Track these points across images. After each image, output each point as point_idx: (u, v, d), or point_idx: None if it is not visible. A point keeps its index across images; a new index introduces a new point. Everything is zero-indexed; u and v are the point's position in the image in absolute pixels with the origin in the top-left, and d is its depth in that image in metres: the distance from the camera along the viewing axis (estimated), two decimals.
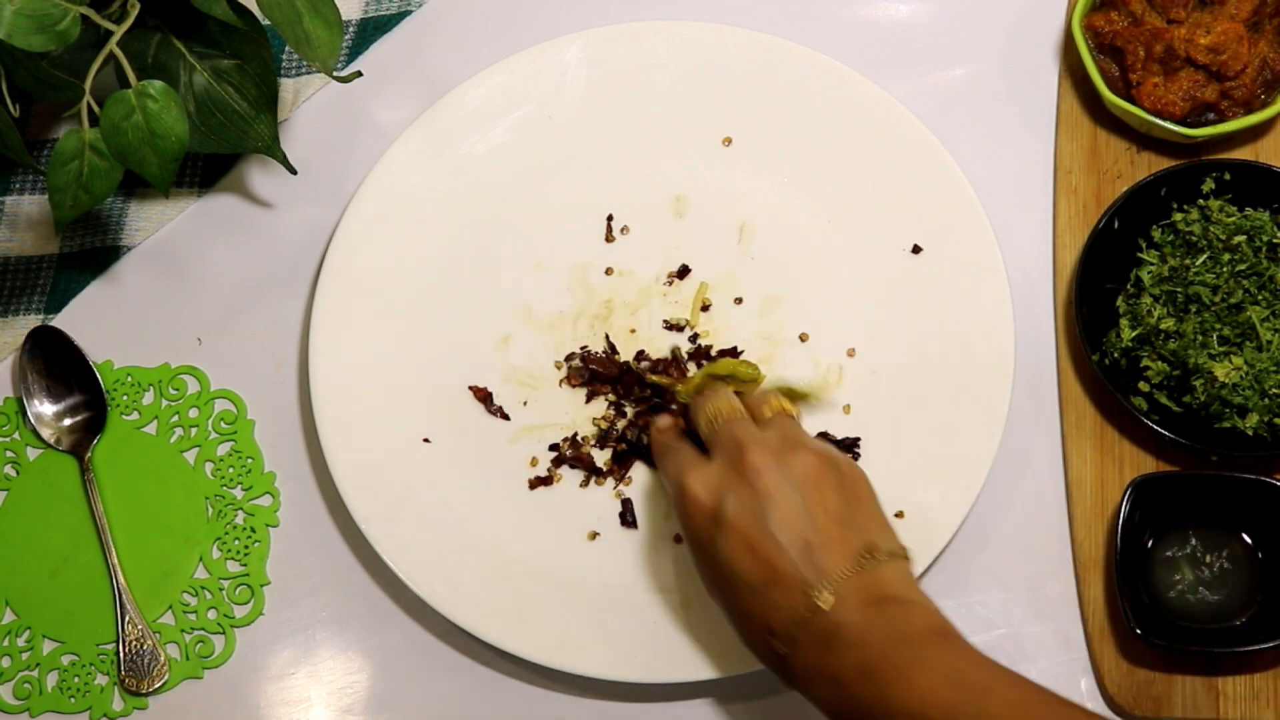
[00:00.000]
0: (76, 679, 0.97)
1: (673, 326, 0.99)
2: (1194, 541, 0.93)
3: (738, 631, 0.82)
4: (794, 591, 0.78)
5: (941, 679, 0.73)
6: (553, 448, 0.98)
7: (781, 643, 0.78)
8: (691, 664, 0.91)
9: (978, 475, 0.93)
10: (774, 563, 0.78)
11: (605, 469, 0.97)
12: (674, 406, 0.94)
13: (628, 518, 0.96)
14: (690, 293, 1.00)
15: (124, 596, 0.97)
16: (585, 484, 0.97)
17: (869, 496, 0.83)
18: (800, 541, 0.78)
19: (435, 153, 1.03)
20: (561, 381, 0.99)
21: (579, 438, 0.97)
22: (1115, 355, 0.95)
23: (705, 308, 1.00)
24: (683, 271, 1.01)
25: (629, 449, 0.97)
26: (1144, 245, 0.98)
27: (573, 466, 0.97)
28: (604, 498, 0.97)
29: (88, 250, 1.05)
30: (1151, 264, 0.97)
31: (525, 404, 0.99)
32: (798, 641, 0.77)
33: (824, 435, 0.96)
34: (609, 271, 1.01)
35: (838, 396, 0.98)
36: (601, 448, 0.97)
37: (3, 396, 1.03)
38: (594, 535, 0.96)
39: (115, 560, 0.98)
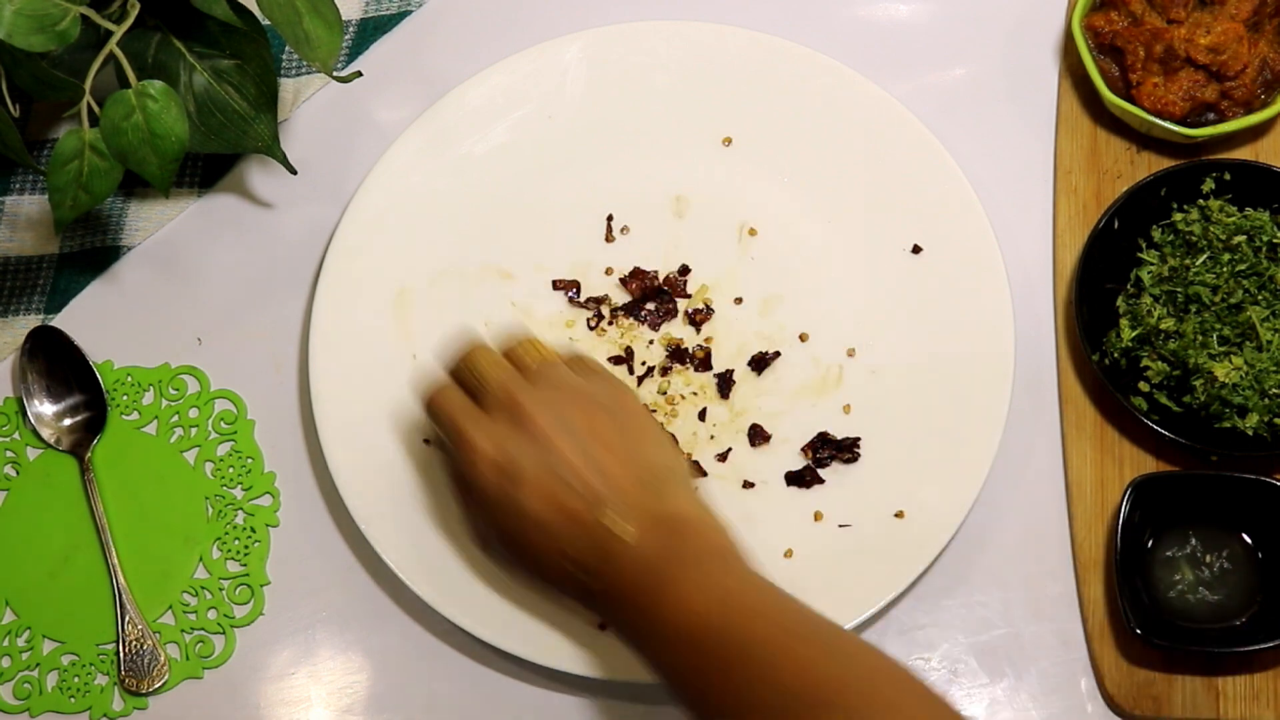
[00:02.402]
0: (76, 679, 0.97)
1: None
2: (1194, 541, 0.93)
3: (537, 572, 0.84)
4: (587, 524, 0.81)
5: (700, 592, 0.76)
6: None
7: (579, 570, 0.81)
8: None
9: (978, 475, 0.93)
10: (567, 504, 0.81)
11: None
12: None
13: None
14: (690, 293, 1.00)
15: (124, 596, 0.97)
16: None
17: (640, 420, 0.86)
18: (586, 480, 0.81)
19: (435, 153, 1.03)
20: None
21: None
22: (1115, 355, 0.95)
23: (707, 309, 1.00)
24: (683, 271, 1.01)
25: None
26: (1144, 245, 0.98)
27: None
28: None
29: (88, 250, 1.05)
30: (1151, 264, 0.97)
31: None
32: (591, 568, 0.80)
33: (823, 435, 0.96)
34: (609, 271, 1.01)
35: (838, 397, 0.98)
36: None
37: (3, 396, 1.03)
38: None
39: (115, 560, 0.98)
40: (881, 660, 0.74)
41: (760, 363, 0.98)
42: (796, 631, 0.75)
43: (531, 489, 0.82)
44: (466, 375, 0.88)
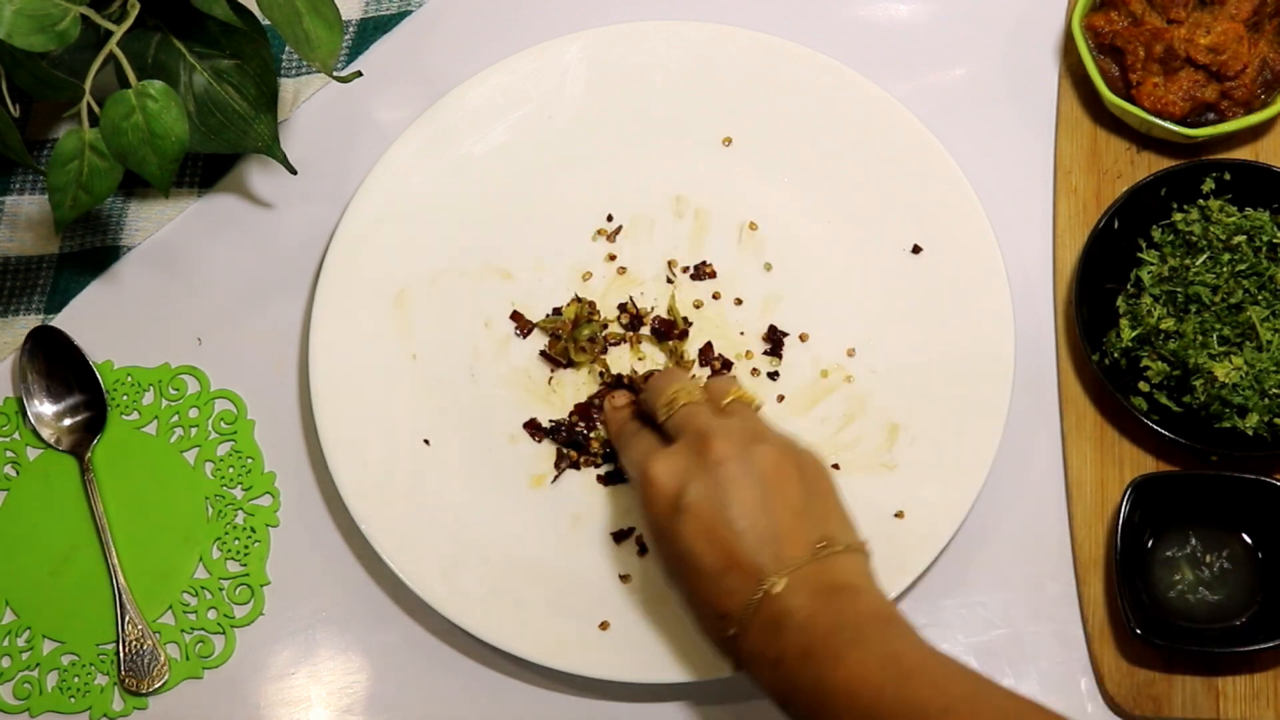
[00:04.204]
0: (76, 679, 0.97)
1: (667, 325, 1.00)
2: (1194, 541, 0.93)
3: (692, 616, 0.84)
4: (748, 578, 0.79)
5: (874, 660, 0.75)
6: (558, 443, 0.98)
7: (733, 626, 0.79)
8: (691, 664, 0.91)
9: (978, 475, 0.93)
10: (731, 550, 0.80)
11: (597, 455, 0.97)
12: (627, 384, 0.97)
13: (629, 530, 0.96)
14: (690, 294, 1.00)
15: (124, 596, 0.97)
16: (579, 467, 0.97)
17: (829, 490, 0.84)
18: (758, 531, 0.80)
19: (435, 153, 1.03)
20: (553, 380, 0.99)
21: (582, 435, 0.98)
22: (1115, 355, 0.95)
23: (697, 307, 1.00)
24: (683, 270, 1.01)
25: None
26: (1144, 245, 0.98)
27: (575, 466, 0.97)
28: (605, 498, 0.97)
29: (88, 250, 1.05)
30: (1151, 264, 0.97)
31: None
32: (748, 625, 0.79)
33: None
34: (610, 257, 1.01)
35: (838, 397, 0.98)
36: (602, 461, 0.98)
37: (3, 396, 1.03)
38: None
39: (115, 560, 0.98)
40: None
41: (776, 344, 0.99)
42: (974, 700, 0.73)
43: (697, 526, 0.80)
44: (656, 394, 0.87)
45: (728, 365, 0.98)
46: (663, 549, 0.84)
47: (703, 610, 0.82)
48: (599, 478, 0.97)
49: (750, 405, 0.88)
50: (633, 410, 0.93)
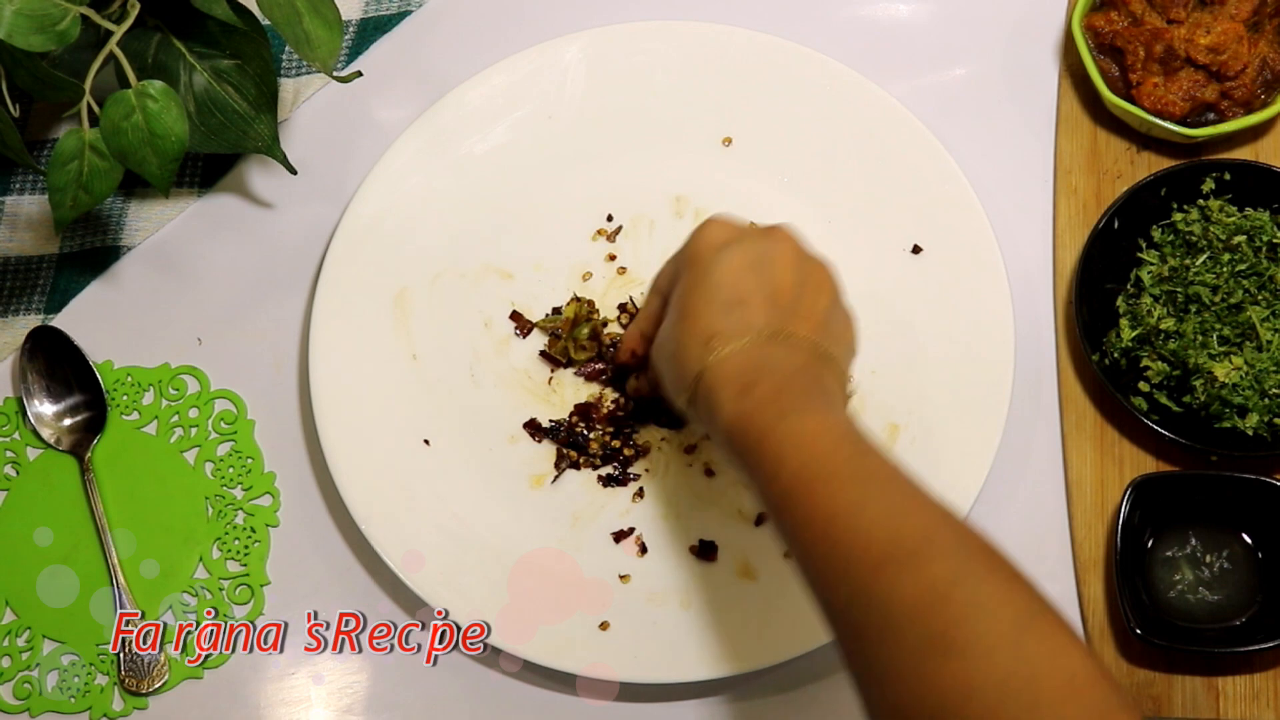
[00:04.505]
0: (76, 679, 0.97)
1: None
2: (1194, 541, 0.93)
3: (679, 332, 0.85)
4: (755, 319, 0.82)
5: (839, 425, 0.78)
6: (558, 448, 0.98)
7: (724, 346, 0.82)
8: (691, 664, 0.92)
9: (978, 475, 0.93)
10: (751, 293, 0.83)
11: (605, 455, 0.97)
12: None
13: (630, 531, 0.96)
14: None
15: (124, 597, 0.97)
16: (579, 467, 0.97)
17: (849, 356, 0.87)
18: (782, 297, 0.83)
19: (435, 153, 1.03)
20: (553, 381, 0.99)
21: (582, 436, 0.98)
22: (1115, 355, 0.95)
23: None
24: None
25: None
26: (1144, 245, 0.98)
27: (575, 467, 0.97)
28: (605, 498, 0.97)
29: (88, 250, 1.05)
30: (1151, 264, 0.97)
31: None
32: (738, 351, 0.81)
33: None
34: (611, 259, 1.01)
35: None
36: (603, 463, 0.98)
37: (3, 396, 1.03)
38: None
39: (115, 560, 0.98)
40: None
41: None
42: (916, 495, 0.75)
43: (739, 259, 0.84)
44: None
45: None
46: (688, 271, 0.86)
47: (695, 326, 0.83)
48: (599, 478, 0.97)
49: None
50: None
